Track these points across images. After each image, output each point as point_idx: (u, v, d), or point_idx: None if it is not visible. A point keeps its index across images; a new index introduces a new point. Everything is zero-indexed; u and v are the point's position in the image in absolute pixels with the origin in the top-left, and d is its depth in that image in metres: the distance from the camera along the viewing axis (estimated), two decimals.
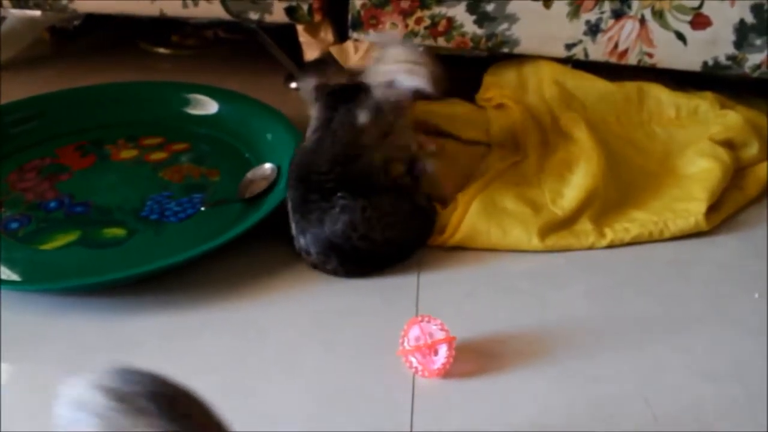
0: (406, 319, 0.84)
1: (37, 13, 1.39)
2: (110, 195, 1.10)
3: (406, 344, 0.82)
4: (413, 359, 0.81)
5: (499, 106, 1.24)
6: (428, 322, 0.81)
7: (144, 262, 0.95)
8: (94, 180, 1.14)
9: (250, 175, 1.09)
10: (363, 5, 1.20)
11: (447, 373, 0.81)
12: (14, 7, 1.31)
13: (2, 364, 0.85)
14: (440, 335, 0.80)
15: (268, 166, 1.10)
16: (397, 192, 0.99)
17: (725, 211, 1.07)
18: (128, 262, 0.97)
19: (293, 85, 1.41)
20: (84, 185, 1.13)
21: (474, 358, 0.84)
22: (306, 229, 0.94)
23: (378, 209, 0.94)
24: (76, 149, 1.21)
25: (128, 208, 1.07)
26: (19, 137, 1.22)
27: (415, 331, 0.81)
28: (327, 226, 0.93)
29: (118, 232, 1.03)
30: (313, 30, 1.30)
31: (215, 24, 1.56)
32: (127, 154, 1.20)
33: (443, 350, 0.80)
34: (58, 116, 1.26)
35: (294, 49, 1.36)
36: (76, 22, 1.57)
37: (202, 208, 1.06)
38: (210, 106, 1.28)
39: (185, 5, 1.28)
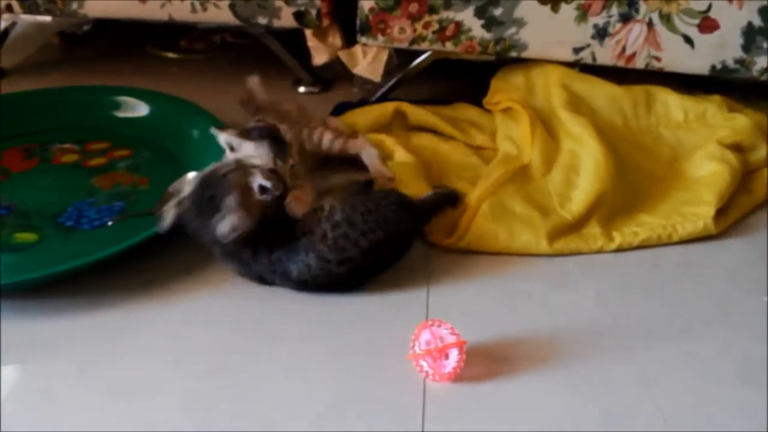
0: (415, 323, 0.84)
1: (48, 18, 1.40)
2: (36, 199, 1.11)
3: (416, 348, 0.82)
4: (424, 363, 0.81)
5: (507, 110, 1.24)
6: (439, 326, 0.81)
7: (39, 267, 0.95)
8: (27, 183, 1.15)
9: (171, 188, 1.04)
10: (371, 10, 1.20)
11: (458, 377, 0.81)
12: (25, 12, 1.32)
13: None
14: (451, 339, 0.80)
15: (190, 176, 1.04)
16: (364, 194, 0.96)
17: (734, 215, 1.07)
18: (28, 266, 0.97)
19: (301, 89, 1.42)
20: (16, 188, 1.14)
21: (484, 362, 0.84)
22: (284, 280, 0.93)
23: (340, 226, 0.90)
24: (23, 151, 1.22)
25: (48, 213, 1.07)
26: None
27: (425, 335, 0.81)
28: (303, 273, 0.91)
29: (29, 236, 1.03)
30: (321, 34, 1.31)
31: (223, 28, 1.57)
32: (69, 158, 1.21)
33: (454, 354, 0.80)
34: (13, 118, 1.26)
35: (302, 53, 1.37)
36: (86, 27, 1.58)
37: (109, 223, 1.05)
38: (140, 108, 1.29)
39: (194, 10, 1.29)
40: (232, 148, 0.96)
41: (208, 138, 1.15)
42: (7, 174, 1.17)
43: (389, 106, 1.24)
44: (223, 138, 0.95)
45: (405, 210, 0.96)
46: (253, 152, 0.93)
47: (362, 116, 1.24)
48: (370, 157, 1.13)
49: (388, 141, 1.18)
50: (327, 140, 1.14)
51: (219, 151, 1.07)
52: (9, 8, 1.31)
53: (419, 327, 0.82)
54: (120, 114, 1.29)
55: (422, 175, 1.10)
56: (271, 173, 0.91)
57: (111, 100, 1.30)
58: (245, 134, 0.94)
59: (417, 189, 1.05)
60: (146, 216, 1.04)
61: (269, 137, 0.94)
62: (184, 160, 1.17)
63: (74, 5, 1.30)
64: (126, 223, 1.05)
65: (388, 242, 0.93)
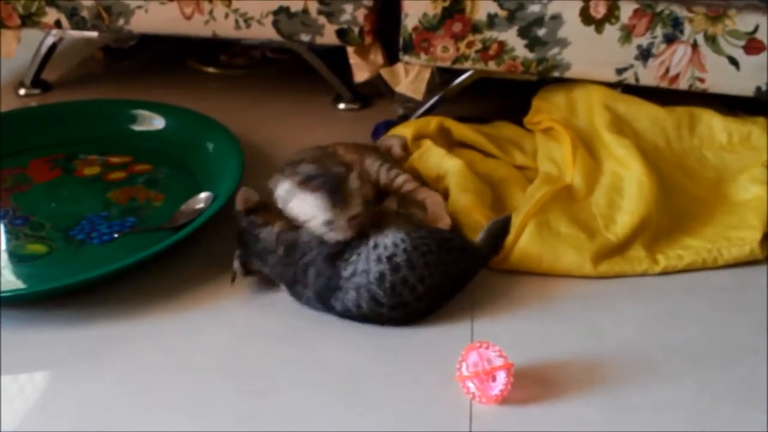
0: (461, 344, 0.84)
1: (94, 33, 1.42)
2: (53, 210, 1.13)
3: (463, 370, 0.82)
4: (471, 385, 0.81)
5: (547, 130, 1.24)
6: (487, 348, 0.81)
7: (44, 280, 0.99)
8: (47, 194, 1.17)
9: (184, 206, 1.09)
10: (415, 28, 1.21)
11: (504, 399, 0.81)
12: (73, 28, 1.34)
13: None
14: (499, 362, 0.80)
15: (202, 196, 1.10)
16: (427, 231, 0.94)
17: None
18: (35, 278, 1.01)
19: (341, 106, 1.43)
20: (35, 198, 1.16)
21: (530, 384, 0.83)
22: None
23: (399, 270, 0.88)
24: (48, 162, 1.24)
25: (62, 226, 1.09)
26: (2, 146, 1.25)
27: (473, 357, 0.81)
28: (349, 311, 0.90)
29: (39, 248, 1.05)
30: (363, 52, 1.32)
31: (264, 44, 1.58)
32: (91, 171, 1.22)
33: (501, 377, 0.80)
34: (41, 129, 1.29)
35: (342, 69, 1.38)
36: (131, 42, 1.61)
37: (115, 236, 1.07)
38: (156, 121, 1.31)
39: (237, 26, 1.31)
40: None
41: (222, 151, 1.19)
42: (30, 183, 1.19)
43: (432, 120, 1.24)
44: (282, 189, 0.94)
45: (466, 255, 0.95)
46: (309, 205, 0.91)
47: (404, 128, 1.24)
48: (434, 204, 1.07)
49: (436, 150, 1.18)
50: (401, 180, 1.10)
51: (232, 165, 1.13)
52: (58, 24, 1.34)
53: (467, 349, 0.82)
54: (137, 127, 1.31)
55: (479, 196, 1.10)
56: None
57: (128, 114, 1.32)
58: (303, 184, 0.93)
59: (474, 212, 1.06)
60: (154, 232, 1.07)
61: (327, 188, 0.91)
62: (200, 175, 1.19)
63: (121, 21, 1.32)
64: (136, 238, 1.06)
65: (445, 287, 0.92)
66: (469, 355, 0.82)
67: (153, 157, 1.25)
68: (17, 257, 1.04)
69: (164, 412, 0.82)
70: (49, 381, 0.88)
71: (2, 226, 1.10)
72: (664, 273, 1.02)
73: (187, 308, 0.96)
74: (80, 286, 0.97)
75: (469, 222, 1.05)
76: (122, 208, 1.13)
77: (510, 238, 1.01)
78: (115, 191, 1.17)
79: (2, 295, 0.95)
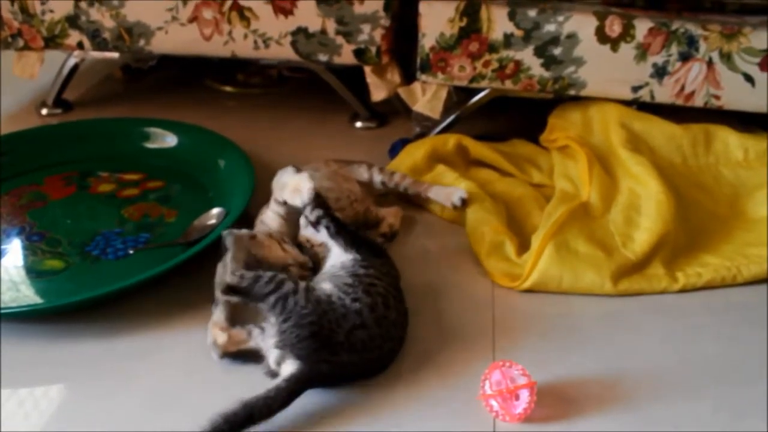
0: (482, 363, 0.85)
1: (115, 54, 1.44)
2: (68, 227, 1.15)
3: (487, 388, 0.82)
4: (494, 403, 0.82)
5: (563, 148, 1.25)
6: (510, 366, 0.82)
7: (60, 296, 1.01)
8: (62, 210, 1.19)
9: (197, 222, 1.10)
10: (432, 48, 1.23)
11: (528, 418, 0.81)
12: (95, 49, 1.36)
13: None
14: (522, 381, 0.81)
15: (215, 211, 1.11)
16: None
17: None
18: (52, 293, 1.02)
19: (358, 124, 1.45)
20: (51, 215, 1.18)
21: (552, 402, 0.84)
22: None
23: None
24: (63, 179, 1.26)
25: (77, 242, 1.11)
26: (18, 164, 1.28)
27: (496, 376, 0.82)
28: None
29: (56, 264, 1.07)
30: (380, 71, 1.33)
31: (281, 63, 1.59)
32: (105, 188, 1.24)
33: (525, 395, 0.81)
34: (57, 147, 1.31)
35: (359, 87, 1.39)
36: (151, 62, 1.63)
37: (130, 251, 1.08)
38: (169, 139, 1.33)
39: (256, 47, 1.33)
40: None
41: (233, 167, 1.21)
42: (46, 200, 1.21)
43: (450, 139, 1.26)
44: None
45: None
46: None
47: (420, 147, 1.25)
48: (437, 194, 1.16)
49: (449, 174, 1.19)
50: (398, 177, 1.18)
51: (243, 180, 1.15)
52: (80, 45, 1.36)
53: (490, 367, 0.83)
54: (150, 145, 1.33)
55: (496, 215, 1.11)
56: None
57: (140, 131, 1.34)
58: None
59: (494, 226, 1.08)
60: (168, 247, 1.08)
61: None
62: (212, 191, 1.21)
63: (141, 42, 1.34)
64: (150, 254, 1.07)
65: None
66: (492, 374, 0.83)
67: (165, 174, 1.26)
68: (35, 273, 1.06)
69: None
70: (65, 395, 0.89)
71: (20, 242, 1.11)
72: (684, 291, 1.02)
73: (201, 324, 0.96)
74: (96, 301, 0.98)
75: (491, 240, 1.06)
76: (136, 224, 1.15)
77: (530, 262, 1.02)
78: (128, 208, 1.19)
79: (21, 309, 0.97)
